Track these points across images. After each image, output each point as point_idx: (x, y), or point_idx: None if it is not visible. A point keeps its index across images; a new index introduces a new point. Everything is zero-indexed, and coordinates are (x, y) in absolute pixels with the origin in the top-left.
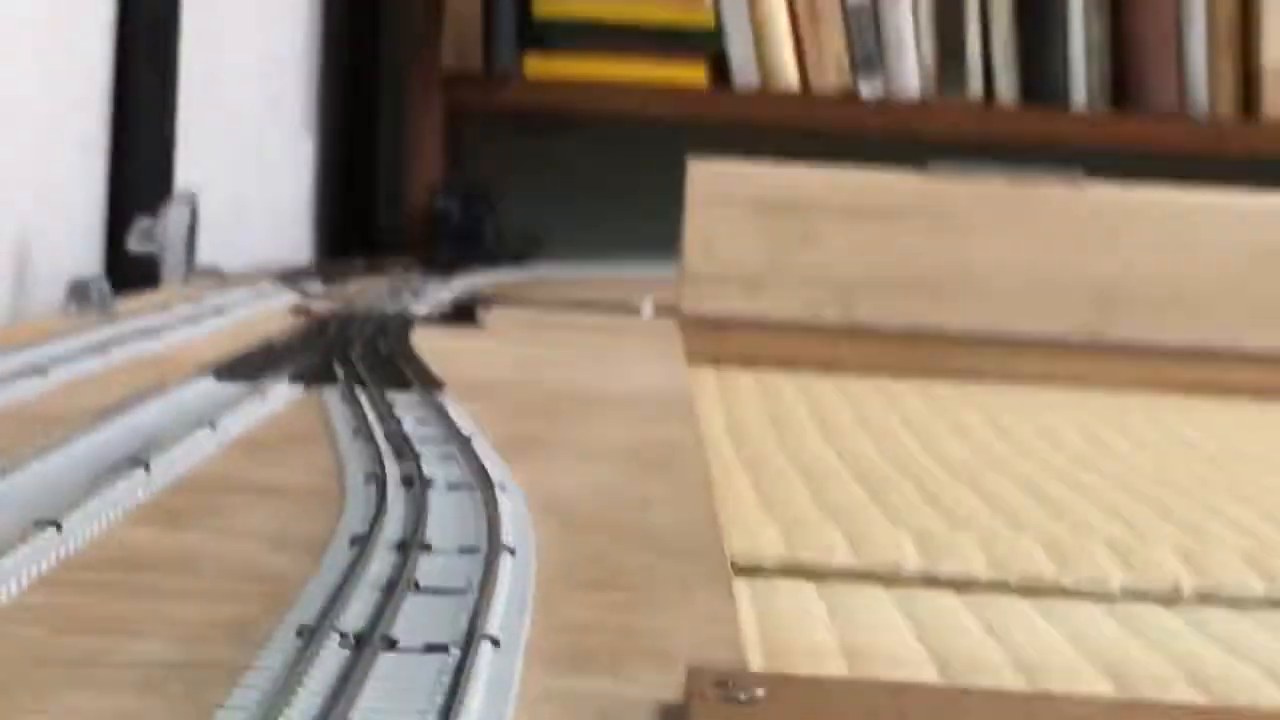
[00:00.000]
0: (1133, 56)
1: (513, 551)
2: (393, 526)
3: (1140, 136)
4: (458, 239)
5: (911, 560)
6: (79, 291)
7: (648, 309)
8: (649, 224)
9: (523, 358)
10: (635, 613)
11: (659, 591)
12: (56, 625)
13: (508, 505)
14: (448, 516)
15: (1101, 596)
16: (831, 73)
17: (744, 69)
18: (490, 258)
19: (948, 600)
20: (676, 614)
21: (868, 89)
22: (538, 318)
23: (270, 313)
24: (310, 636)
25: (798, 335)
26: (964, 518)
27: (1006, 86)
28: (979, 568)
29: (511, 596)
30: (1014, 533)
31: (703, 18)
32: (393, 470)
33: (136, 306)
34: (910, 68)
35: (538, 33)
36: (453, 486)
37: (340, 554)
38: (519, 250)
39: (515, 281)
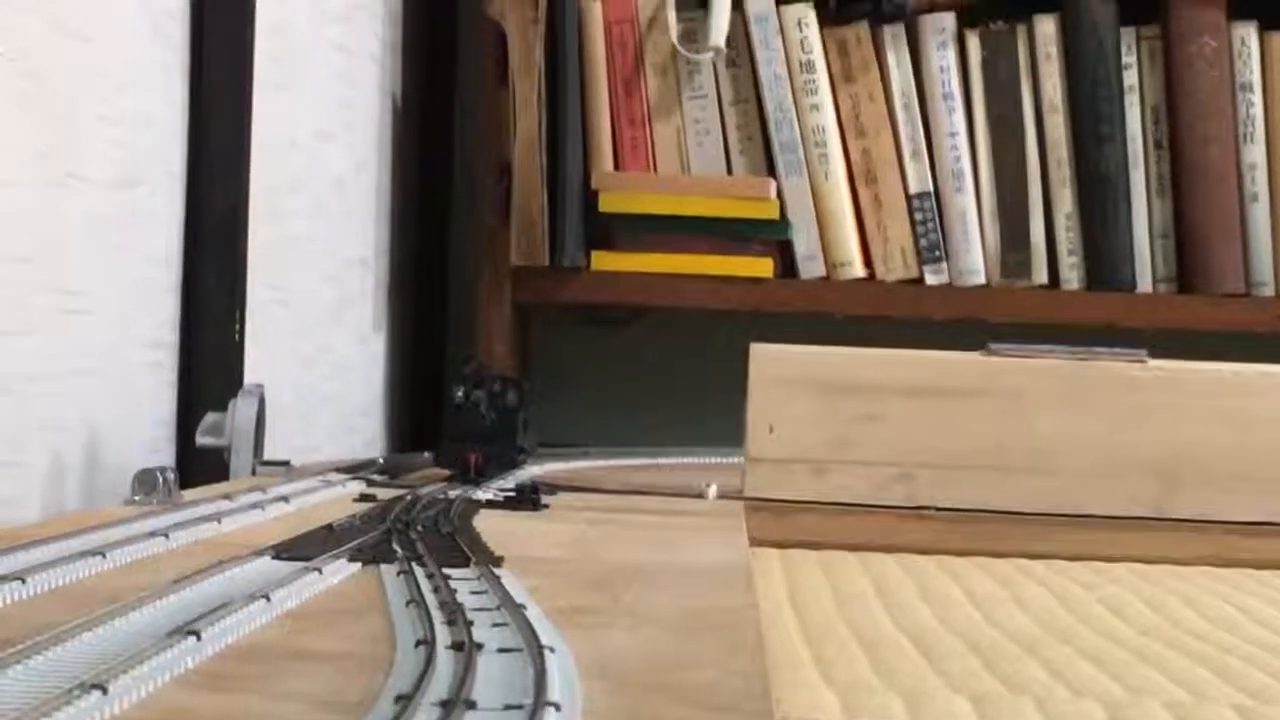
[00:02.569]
0: (1196, 238)
1: (558, 707)
2: (439, 686)
3: (1205, 318)
4: (477, 438)
5: None
6: (145, 480)
7: (712, 492)
8: (717, 414)
9: (584, 537)
10: None
11: None
12: None
13: (555, 665)
14: (495, 677)
15: None
16: (897, 261)
17: (809, 259)
18: (510, 463)
19: None
20: None
21: (933, 277)
22: (602, 501)
23: (335, 500)
24: None
25: (862, 516)
26: (1023, 683)
27: (1071, 272)
28: None
29: None
30: (1073, 695)
31: (768, 210)
32: (443, 635)
33: (201, 495)
34: (975, 255)
35: (603, 227)
36: (503, 651)
37: (384, 712)
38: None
39: (581, 468)
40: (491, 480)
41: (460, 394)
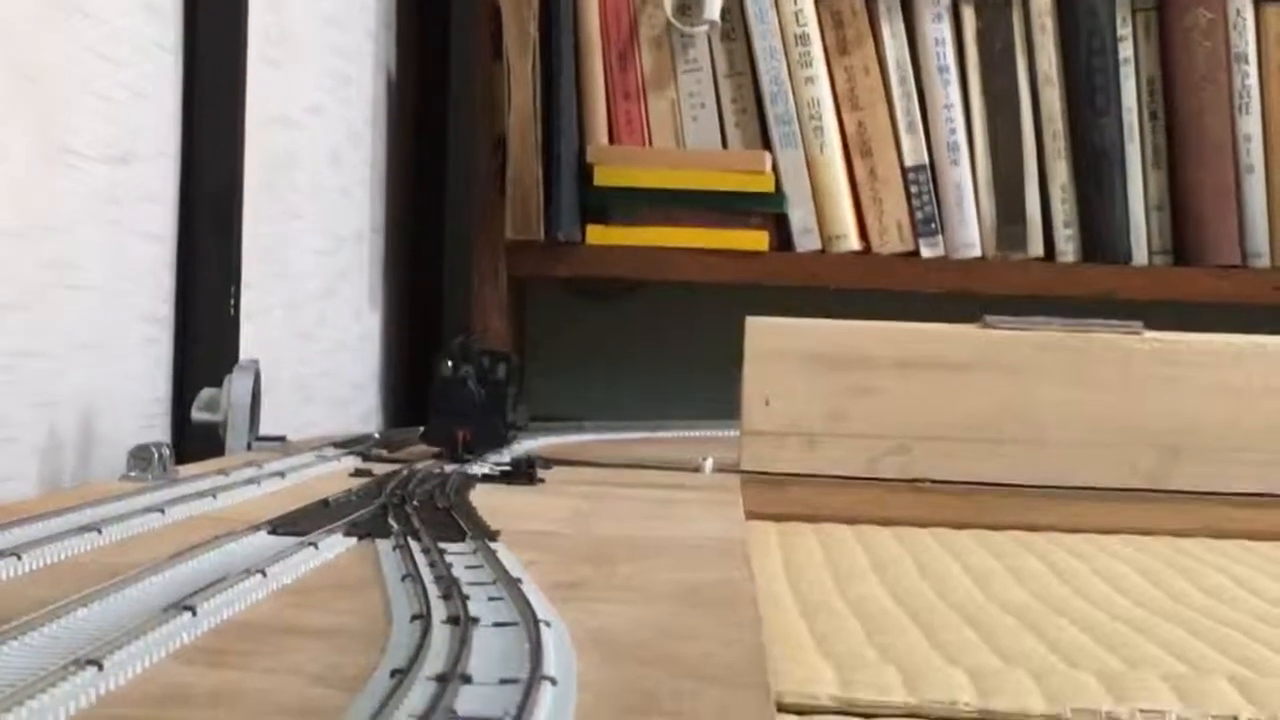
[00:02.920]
0: (1192, 210)
1: (554, 681)
2: (435, 661)
3: (1201, 289)
4: (466, 414)
5: (967, 696)
6: (140, 456)
7: (709, 466)
8: (713, 387)
9: (580, 511)
10: None
11: (700, 718)
12: None
13: (551, 639)
14: (491, 651)
15: None
16: (892, 234)
17: (805, 233)
18: (500, 439)
19: None
20: None
21: (929, 249)
22: (599, 475)
23: (330, 475)
24: None
25: (858, 489)
26: (1020, 655)
27: (1066, 244)
28: (1035, 702)
29: None
30: (1070, 668)
31: (763, 183)
32: (439, 610)
33: (197, 471)
34: (970, 228)
35: (598, 201)
36: (498, 625)
37: (380, 686)
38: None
39: (577, 441)
40: (481, 457)
41: (448, 369)
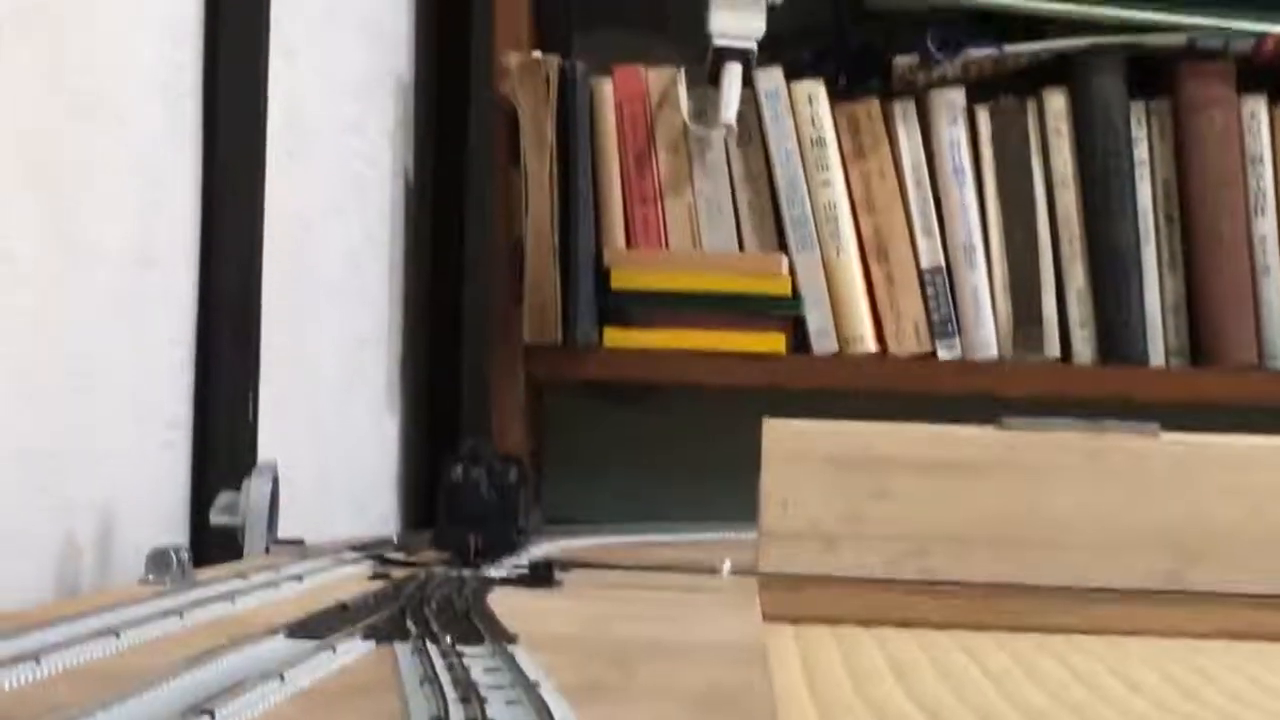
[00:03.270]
0: (1209, 312)
1: None
2: None
3: (1218, 391)
4: (477, 518)
5: None
6: (159, 560)
7: (726, 568)
8: (730, 489)
9: (598, 614)
10: None
11: None
12: None
13: None
14: None
15: None
16: (909, 336)
17: (822, 335)
18: (511, 545)
19: None
20: None
21: (945, 351)
22: (616, 578)
23: (349, 578)
24: None
25: (876, 591)
26: None
27: (1083, 346)
28: None
29: None
30: None
31: (780, 285)
32: (457, 713)
33: (215, 574)
34: (987, 330)
35: (616, 304)
36: None
37: None
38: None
39: (595, 544)
40: (492, 562)
41: (458, 472)
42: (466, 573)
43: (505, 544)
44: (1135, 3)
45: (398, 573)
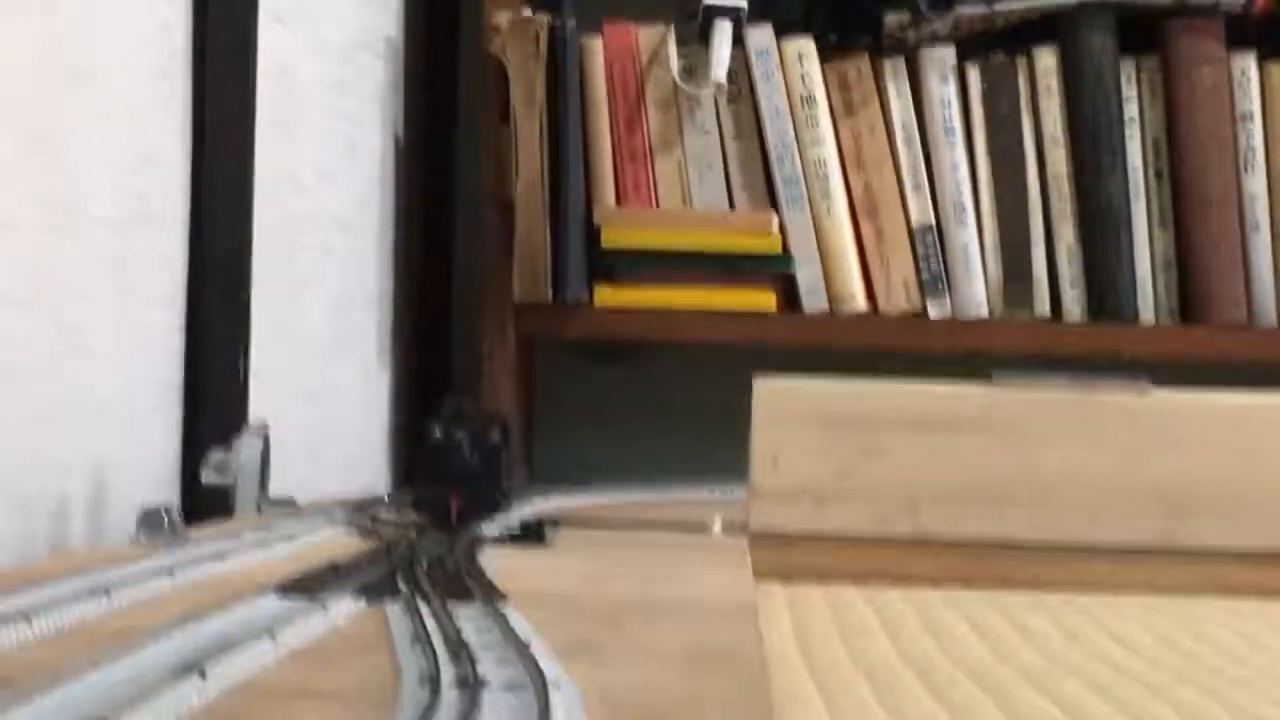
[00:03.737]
0: (1198, 269)
1: None
2: None
3: (1208, 348)
4: (459, 480)
5: None
6: (150, 519)
7: (717, 526)
8: (721, 447)
9: (589, 572)
10: None
11: None
12: None
13: (560, 701)
14: (500, 713)
15: None
16: (899, 294)
17: (812, 293)
18: (495, 507)
19: None
20: None
21: (935, 309)
22: (607, 537)
23: (340, 537)
24: None
25: (866, 549)
26: (1030, 716)
27: (1073, 303)
28: None
29: None
30: None
31: (770, 244)
32: (448, 672)
33: (207, 534)
34: (977, 287)
35: (606, 262)
36: (508, 687)
37: None
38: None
39: (585, 503)
40: (475, 526)
41: (438, 433)
42: (457, 531)
43: (488, 506)
44: None
45: (389, 531)
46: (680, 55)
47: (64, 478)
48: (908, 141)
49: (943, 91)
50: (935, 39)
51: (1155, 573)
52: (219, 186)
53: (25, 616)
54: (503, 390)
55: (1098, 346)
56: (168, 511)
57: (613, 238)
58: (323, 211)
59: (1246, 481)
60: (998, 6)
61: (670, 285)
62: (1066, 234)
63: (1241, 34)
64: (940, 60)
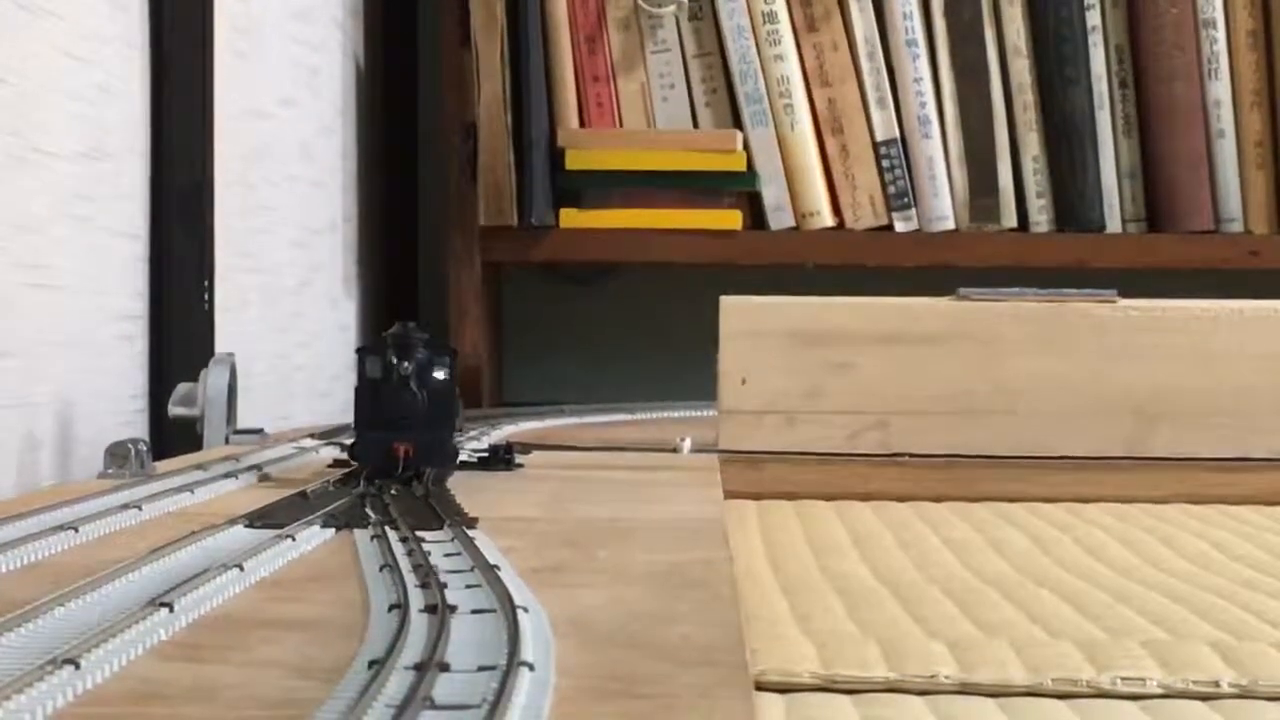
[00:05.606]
0: (1164, 177)
1: (531, 667)
2: (413, 650)
3: (1174, 256)
4: (407, 425)
5: (948, 670)
6: (117, 453)
7: (686, 446)
8: (690, 367)
9: (558, 495)
10: None
11: (679, 701)
12: None
13: (529, 624)
14: (469, 639)
15: (1139, 696)
16: (866, 209)
17: (778, 210)
18: (449, 457)
19: (985, 706)
20: None
21: (902, 224)
22: (577, 459)
23: (308, 467)
24: None
25: (836, 465)
26: (1001, 626)
27: (1040, 215)
28: (1016, 673)
29: (527, 710)
30: (1051, 638)
31: (735, 162)
32: (416, 599)
33: (175, 466)
34: (943, 201)
35: (571, 185)
36: (476, 612)
37: (358, 677)
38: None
39: (555, 426)
40: (424, 479)
41: (379, 368)
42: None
43: (441, 456)
44: None
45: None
46: None
47: (30, 413)
48: (870, 55)
49: (904, 4)
50: None
51: (1124, 481)
52: (180, 117)
53: None
54: (470, 314)
55: (1065, 257)
56: (135, 445)
57: (577, 160)
58: (285, 139)
59: (1214, 389)
60: None
61: (636, 206)
62: (1032, 145)
63: None
64: None
